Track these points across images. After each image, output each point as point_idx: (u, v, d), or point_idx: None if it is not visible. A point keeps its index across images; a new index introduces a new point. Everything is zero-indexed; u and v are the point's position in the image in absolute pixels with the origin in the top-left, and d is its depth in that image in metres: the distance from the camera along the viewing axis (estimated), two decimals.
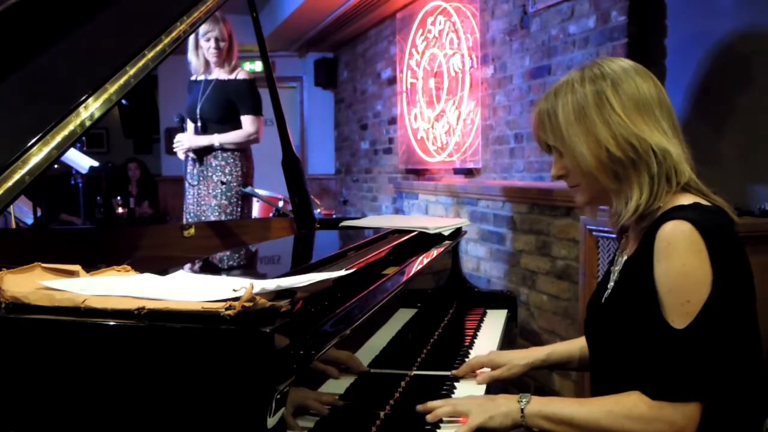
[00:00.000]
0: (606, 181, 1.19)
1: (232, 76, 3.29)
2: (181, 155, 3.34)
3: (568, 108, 1.19)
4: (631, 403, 1.11)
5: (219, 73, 3.30)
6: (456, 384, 1.46)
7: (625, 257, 1.26)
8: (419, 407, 1.24)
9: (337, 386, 1.17)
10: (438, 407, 1.22)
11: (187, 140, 3.27)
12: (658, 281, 1.10)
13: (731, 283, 1.08)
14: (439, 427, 1.23)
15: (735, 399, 1.13)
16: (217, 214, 3.21)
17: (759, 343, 1.16)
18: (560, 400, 1.22)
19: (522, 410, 1.18)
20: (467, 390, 1.43)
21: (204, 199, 3.25)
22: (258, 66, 6.50)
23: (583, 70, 1.23)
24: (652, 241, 1.12)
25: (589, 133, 1.17)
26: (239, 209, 3.26)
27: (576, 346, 1.49)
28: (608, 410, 1.13)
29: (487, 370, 1.49)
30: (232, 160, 3.24)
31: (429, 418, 1.22)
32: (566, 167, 1.24)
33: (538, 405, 1.19)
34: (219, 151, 3.23)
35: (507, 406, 1.20)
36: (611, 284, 1.28)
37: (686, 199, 1.15)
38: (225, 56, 3.28)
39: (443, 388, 1.43)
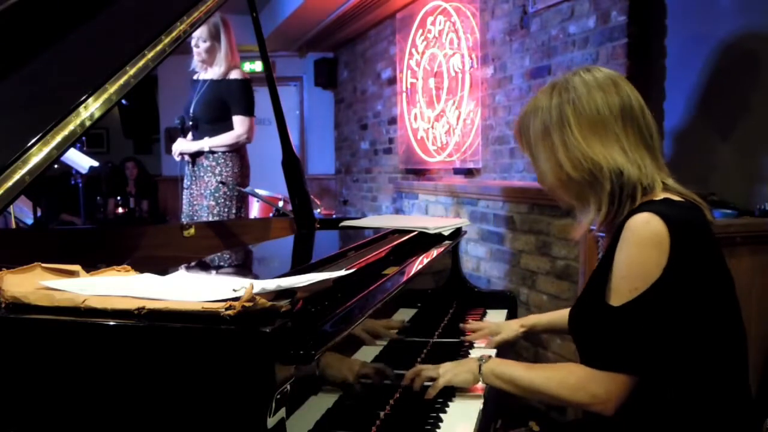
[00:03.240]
0: (565, 197, 1.30)
1: (226, 76, 3.26)
2: (176, 158, 3.35)
3: (537, 124, 1.28)
4: (566, 371, 1.25)
5: (213, 73, 3.28)
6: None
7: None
8: (406, 380, 1.40)
9: (335, 389, 1.17)
10: (416, 376, 1.39)
11: (179, 146, 3.29)
12: (615, 264, 1.17)
13: (690, 275, 1.12)
14: (438, 427, 1.23)
15: (717, 393, 1.16)
16: (206, 215, 3.21)
17: (741, 334, 1.20)
18: (512, 363, 1.38)
19: (480, 368, 1.35)
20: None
21: (196, 200, 3.26)
22: (258, 66, 6.50)
23: (555, 81, 1.30)
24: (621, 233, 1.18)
25: (551, 153, 1.26)
26: (228, 210, 3.22)
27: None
28: (546, 376, 1.26)
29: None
30: (222, 161, 3.22)
31: (414, 385, 1.38)
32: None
33: (492, 364, 1.36)
34: (209, 153, 3.23)
35: (470, 365, 1.38)
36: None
37: (658, 196, 1.20)
38: (207, 56, 3.25)
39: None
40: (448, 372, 1.38)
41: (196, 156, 3.26)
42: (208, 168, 3.23)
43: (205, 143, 3.21)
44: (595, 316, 1.21)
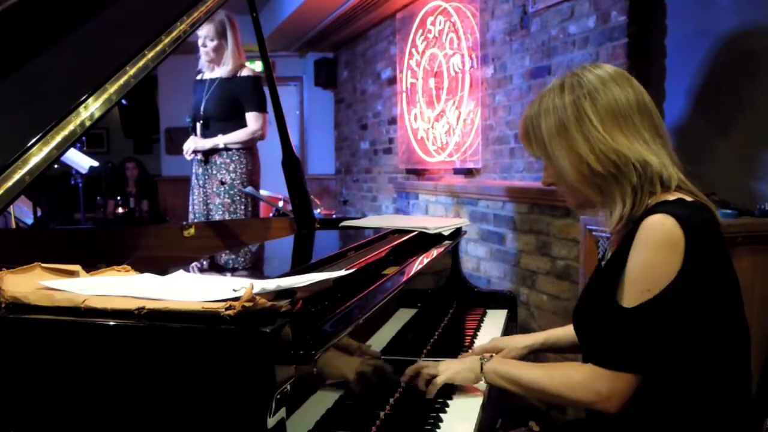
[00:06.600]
0: (589, 193, 1.24)
1: (237, 74, 3.30)
2: (188, 157, 3.35)
3: (550, 122, 1.23)
4: (570, 369, 1.25)
5: (222, 72, 3.30)
6: None
7: (612, 252, 1.30)
8: (406, 376, 1.39)
9: (336, 386, 1.17)
10: (418, 371, 1.39)
11: (192, 143, 3.29)
12: (629, 266, 1.15)
13: (702, 277, 1.11)
14: (438, 427, 1.23)
15: (718, 393, 1.16)
16: (221, 213, 3.23)
17: (745, 334, 1.20)
18: (514, 362, 1.40)
19: (482, 366, 1.35)
20: None
21: (210, 198, 3.28)
22: (258, 66, 6.50)
23: (563, 80, 1.26)
24: (635, 232, 1.16)
25: (570, 149, 1.21)
26: (244, 207, 3.26)
27: (573, 331, 1.54)
28: (549, 374, 1.26)
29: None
30: (237, 158, 3.25)
31: (412, 379, 1.39)
32: (553, 176, 1.29)
33: (495, 364, 1.36)
34: (224, 150, 3.25)
35: (471, 363, 1.38)
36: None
37: (671, 196, 1.18)
38: (214, 55, 3.28)
39: None
40: (448, 369, 1.37)
41: (209, 154, 3.27)
42: (222, 165, 3.25)
43: (220, 140, 3.24)
44: (602, 314, 1.20)
